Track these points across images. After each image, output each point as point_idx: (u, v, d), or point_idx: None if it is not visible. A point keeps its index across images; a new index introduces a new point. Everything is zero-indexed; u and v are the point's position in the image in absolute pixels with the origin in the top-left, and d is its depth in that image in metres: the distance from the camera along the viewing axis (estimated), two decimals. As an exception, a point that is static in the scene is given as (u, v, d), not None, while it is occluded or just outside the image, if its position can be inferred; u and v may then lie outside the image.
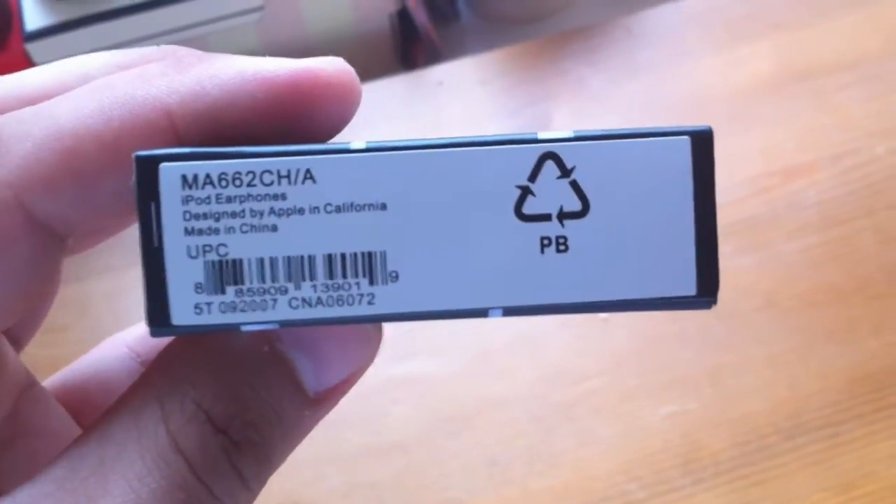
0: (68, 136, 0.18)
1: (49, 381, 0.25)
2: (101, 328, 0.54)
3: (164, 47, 0.21)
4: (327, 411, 0.20)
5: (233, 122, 0.19)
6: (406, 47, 0.69)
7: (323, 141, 0.20)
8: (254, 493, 0.20)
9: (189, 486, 0.18)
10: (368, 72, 0.67)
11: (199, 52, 0.20)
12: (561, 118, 0.60)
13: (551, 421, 0.50)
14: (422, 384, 0.51)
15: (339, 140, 0.21)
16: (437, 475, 0.49)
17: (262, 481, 0.20)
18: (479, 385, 0.51)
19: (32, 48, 0.61)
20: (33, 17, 0.61)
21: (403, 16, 0.68)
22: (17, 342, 0.24)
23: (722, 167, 0.54)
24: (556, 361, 0.51)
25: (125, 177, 0.18)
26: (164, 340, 0.19)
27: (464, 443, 0.50)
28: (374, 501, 0.49)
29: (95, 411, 0.25)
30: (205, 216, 0.17)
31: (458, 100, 0.62)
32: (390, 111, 0.62)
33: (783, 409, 0.49)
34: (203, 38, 0.64)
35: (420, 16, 0.68)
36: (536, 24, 0.71)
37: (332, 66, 0.19)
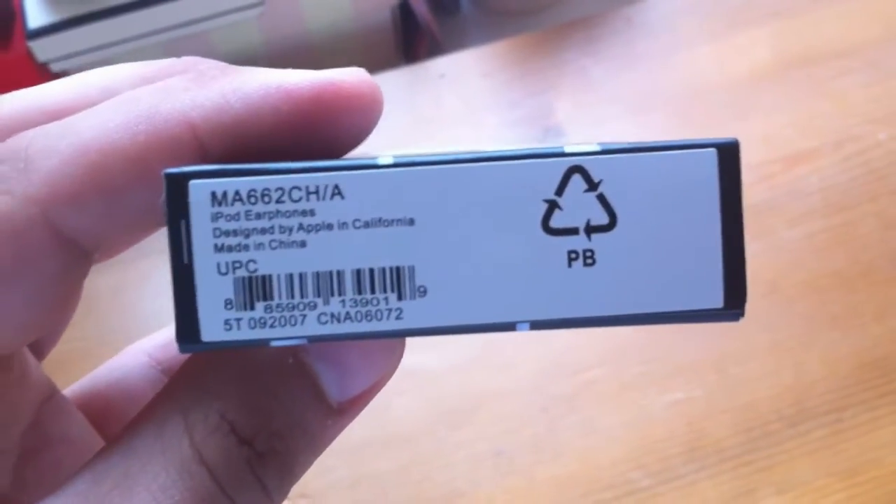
0: (94, 151, 0.18)
1: (70, 390, 0.25)
2: (108, 323, 0.55)
3: (186, 59, 0.21)
4: (350, 421, 0.20)
5: (256, 135, 0.19)
6: (407, 40, 0.70)
7: (345, 152, 0.20)
8: None
9: (213, 498, 0.18)
10: (370, 65, 0.66)
11: (223, 65, 0.20)
12: (562, 109, 0.61)
13: (555, 411, 0.50)
14: (426, 376, 0.51)
15: (360, 152, 0.21)
16: (441, 466, 0.49)
17: (284, 492, 0.20)
18: (482, 376, 0.52)
19: (35, 46, 0.61)
20: (36, 14, 0.61)
21: (404, 8, 0.68)
22: (39, 352, 0.24)
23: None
24: (559, 352, 0.52)
25: (151, 191, 0.18)
26: None
27: (468, 434, 0.50)
28: (379, 493, 0.49)
29: (116, 420, 0.25)
30: (234, 233, 0.18)
31: (459, 92, 0.62)
32: (392, 104, 0.62)
33: (787, 396, 0.50)
34: (205, 33, 0.64)
35: (421, 8, 0.68)
36: (537, 15, 0.71)
37: (355, 78, 0.19)
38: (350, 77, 0.19)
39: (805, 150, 0.57)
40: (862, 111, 0.58)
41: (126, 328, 0.55)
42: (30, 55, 0.62)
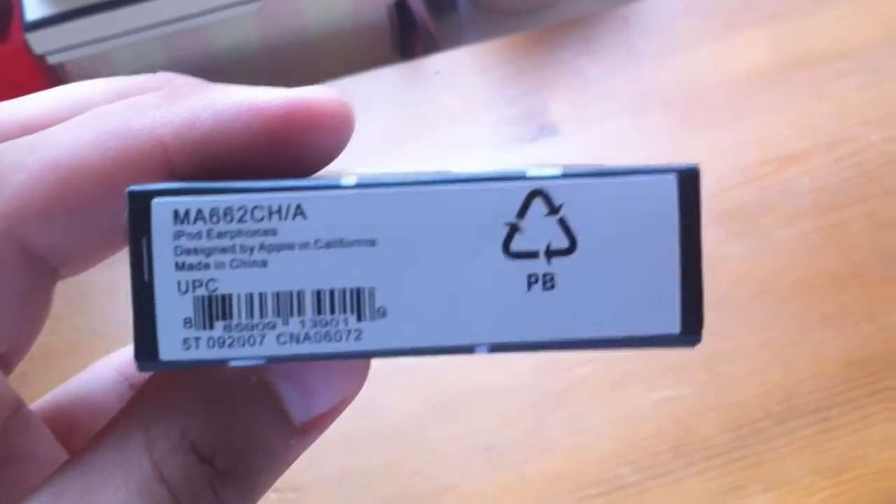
0: (63, 167, 0.18)
1: (36, 405, 0.25)
2: (100, 316, 0.55)
3: (161, 75, 0.21)
4: (313, 441, 0.20)
5: (227, 152, 0.19)
6: (404, 37, 0.70)
7: (316, 170, 0.20)
8: None
9: None
10: (366, 61, 0.67)
11: (196, 81, 0.20)
12: (558, 108, 0.61)
13: (545, 407, 0.50)
14: (416, 371, 0.51)
15: (337, 164, 0.21)
16: (431, 461, 0.50)
17: None
18: (473, 372, 0.52)
19: (33, 38, 0.62)
20: (33, 7, 0.61)
21: (401, 6, 0.68)
22: (6, 365, 0.23)
23: (718, 155, 0.55)
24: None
25: (119, 208, 0.18)
26: None
27: (458, 429, 0.50)
28: (369, 487, 0.49)
29: (83, 435, 0.24)
30: (196, 251, 0.17)
31: (455, 89, 0.62)
32: (388, 100, 0.62)
33: (776, 394, 0.50)
34: (202, 28, 0.64)
35: (418, 6, 0.68)
36: (534, 14, 0.71)
37: (325, 97, 0.19)
38: (321, 96, 0.19)
39: (798, 151, 0.57)
40: (857, 113, 0.58)
41: (114, 323, 0.55)
42: (27, 47, 0.62)
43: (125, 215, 0.17)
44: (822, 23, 0.62)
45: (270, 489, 0.20)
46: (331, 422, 0.20)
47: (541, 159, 0.58)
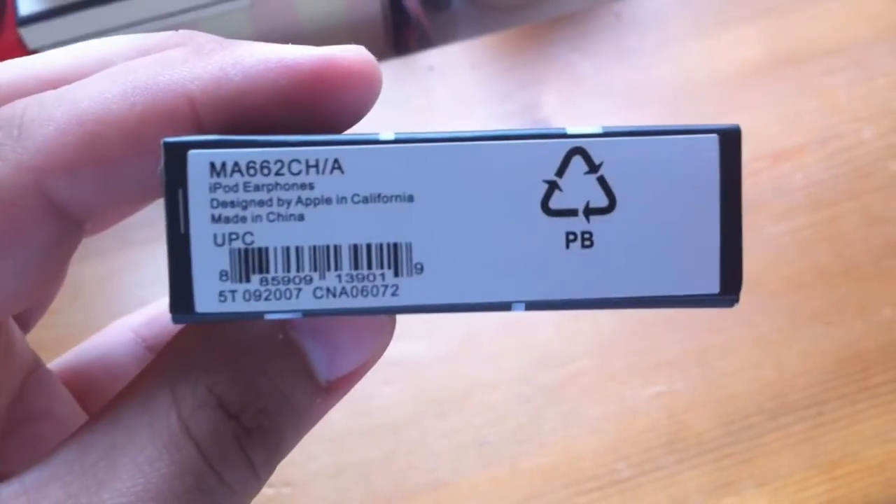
0: (90, 120, 0.18)
1: (54, 364, 0.25)
2: (93, 310, 0.55)
3: (183, 32, 0.21)
4: (338, 399, 0.20)
5: (254, 109, 0.19)
6: (397, 32, 0.70)
7: (341, 129, 0.20)
8: (262, 481, 0.19)
9: (199, 471, 0.18)
10: (359, 57, 0.67)
11: (220, 39, 0.20)
12: (550, 103, 0.61)
13: (539, 402, 0.51)
14: (411, 366, 0.51)
15: (358, 129, 0.21)
16: (425, 456, 0.50)
17: (271, 468, 0.20)
18: (467, 367, 0.52)
19: (26, 32, 0.61)
20: (27, 2, 0.61)
21: (394, 1, 0.68)
22: (25, 324, 0.23)
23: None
24: (544, 343, 0.52)
25: (146, 163, 0.18)
26: (173, 326, 0.19)
27: (452, 424, 0.50)
28: (363, 481, 0.49)
29: (100, 395, 0.25)
30: (232, 204, 0.17)
31: (448, 84, 0.62)
32: (381, 95, 0.62)
33: (768, 390, 0.50)
34: (194, 23, 0.64)
35: (411, 1, 0.68)
36: (526, 9, 0.71)
37: (354, 54, 0.19)
38: (349, 54, 0.19)
39: (790, 147, 0.57)
40: (847, 109, 0.59)
41: (108, 316, 0.54)
42: (20, 42, 0.62)
43: (160, 166, 0.17)
44: (812, 19, 0.62)
45: (265, 485, 0.20)
46: (356, 381, 0.20)
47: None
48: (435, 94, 0.62)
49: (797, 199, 0.55)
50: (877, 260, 0.53)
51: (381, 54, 0.68)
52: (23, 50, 0.63)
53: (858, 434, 0.49)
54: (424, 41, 0.69)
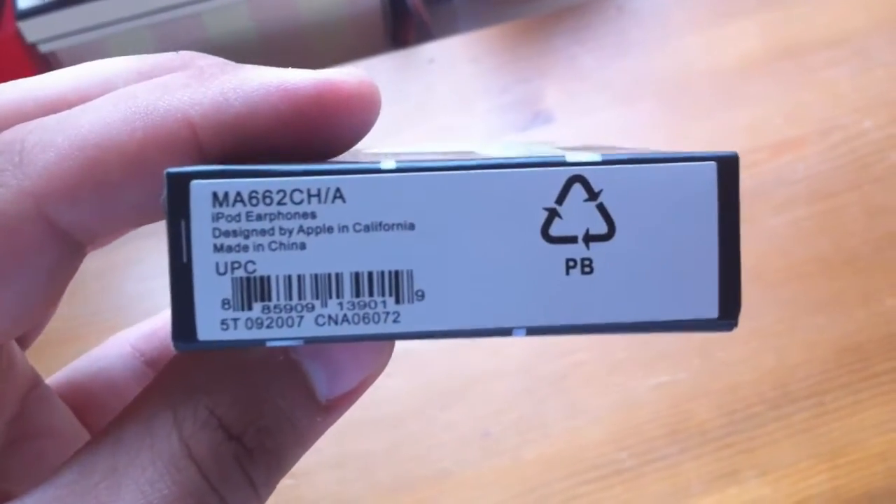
0: (91, 146, 0.18)
1: (52, 380, 0.25)
2: (93, 305, 0.55)
3: (183, 54, 0.21)
4: (338, 418, 0.20)
5: (254, 134, 0.19)
6: (397, 25, 0.70)
7: (343, 150, 0.20)
8: (263, 500, 0.20)
9: (201, 492, 0.18)
10: (359, 50, 0.67)
11: (222, 61, 0.20)
12: (551, 96, 0.61)
13: (542, 393, 0.51)
14: (414, 358, 0.52)
15: (360, 149, 0.21)
16: (428, 447, 0.50)
17: (271, 488, 0.20)
18: (470, 358, 0.52)
19: (25, 26, 0.61)
20: (26, -5, 0.61)
21: (395, -6, 0.68)
22: (24, 341, 0.23)
23: (711, 143, 0.55)
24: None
25: (146, 188, 0.18)
26: (168, 341, 0.19)
27: (455, 415, 0.51)
28: (366, 472, 0.49)
29: (99, 410, 0.25)
30: (234, 233, 0.17)
31: (449, 77, 0.62)
32: (381, 89, 0.62)
33: (770, 380, 0.50)
34: (195, 16, 0.64)
35: (411, -6, 0.68)
36: (527, 2, 0.71)
37: (354, 78, 0.19)
38: (350, 77, 0.19)
39: (791, 139, 0.57)
40: (848, 100, 0.59)
41: (111, 310, 0.55)
42: (19, 36, 0.62)
43: (163, 196, 0.17)
44: (811, 11, 0.63)
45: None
46: (355, 399, 0.20)
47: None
48: (435, 87, 0.62)
49: (798, 190, 0.56)
50: (878, 250, 0.54)
51: (381, 47, 0.68)
52: (22, 43, 0.63)
53: (860, 423, 0.49)
54: (425, 34, 0.69)
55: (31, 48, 0.63)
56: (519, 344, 0.52)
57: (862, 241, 0.54)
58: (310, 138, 0.19)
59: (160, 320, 0.27)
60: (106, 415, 0.24)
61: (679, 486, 0.48)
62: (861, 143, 0.57)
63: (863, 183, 0.56)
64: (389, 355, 0.21)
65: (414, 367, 0.51)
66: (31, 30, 0.62)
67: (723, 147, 0.56)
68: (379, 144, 0.22)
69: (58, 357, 0.26)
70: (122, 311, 0.55)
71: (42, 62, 0.65)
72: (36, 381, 0.24)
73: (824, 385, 0.50)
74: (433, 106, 0.61)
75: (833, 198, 0.55)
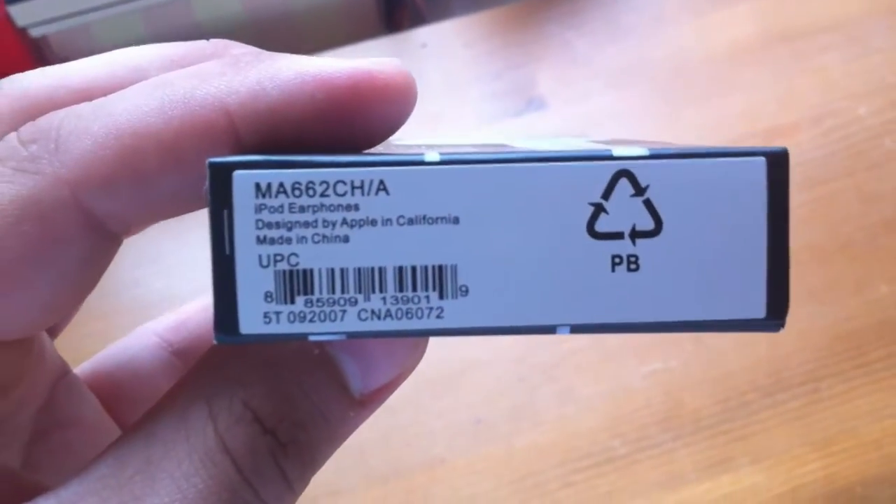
0: (128, 134, 0.18)
1: (79, 370, 0.25)
2: (99, 297, 0.54)
3: (216, 42, 0.21)
4: (371, 413, 0.20)
5: (290, 123, 0.19)
6: (390, 9, 0.69)
7: (378, 142, 0.20)
8: (297, 495, 0.19)
9: (236, 486, 0.18)
10: (353, 34, 0.66)
11: (255, 50, 0.20)
12: (545, 81, 0.61)
13: (535, 381, 0.51)
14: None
15: (389, 140, 0.21)
16: (421, 434, 0.50)
17: (305, 482, 0.20)
18: (463, 346, 0.52)
19: (15, 10, 0.61)
20: (15, -21, 0.61)
21: (387, -22, 0.68)
22: (53, 330, 0.23)
23: (704, 129, 0.55)
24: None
25: (183, 177, 0.18)
26: (198, 332, 0.19)
27: (448, 403, 0.50)
28: (360, 460, 0.49)
29: (127, 401, 0.25)
30: (277, 225, 0.17)
31: (442, 62, 0.62)
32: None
33: (763, 367, 0.50)
34: (185, 1, 0.64)
35: (404, -22, 0.68)
36: (520, -13, 0.70)
37: (392, 68, 0.19)
38: (387, 68, 0.19)
39: (785, 125, 0.57)
40: (842, 86, 0.58)
41: (105, 297, 0.55)
42: (9, 20, 0.62)
43: (205, 187, 0.17)
44: (806, -4, 0.62)
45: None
46: (389, 394, 0.20)
47: (529, 132, 0.58)
48: (428, 72, 0.62)
49: (792, 177, 0.55)
50: (872, 237, 0.54)
51: (373, 32, 0.68)
52: (13, 28, 0.62)
53: (854, 410, 0.49)
54: (418, 18, 0.68)
55: (22, 33, 0.63)
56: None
57: (856, 228, 0.54)
58: (345, 129, 0.19)
59: (189, 311, 0.27)
60: (133, 405, 0.25)
61: (672, 473, 0.48)
62: (855, 130, 0.57)
63: (857, 170, 0.56)
64: (424, 351, 0.21)
65: (407, 354, 0.51)
66: (22, 14, 0.62)
67: (715, 133, 0.56)
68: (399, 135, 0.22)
69: (63, 352, 0.26)
70: (110, 298, 0.54)
71: (33, 46, 0.64)
72: (64, 371, 0.24)
73: (818, 372, 0.50)
74: (425, 91, 0.61)
75: (827, 184, 0.55)
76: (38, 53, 0.65)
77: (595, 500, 0.48)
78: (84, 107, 0.19)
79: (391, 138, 0.20)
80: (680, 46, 0.61)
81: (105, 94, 0.19)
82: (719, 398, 0.49)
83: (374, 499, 0.48)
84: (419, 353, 0.20)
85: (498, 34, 0.63)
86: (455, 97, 0.61)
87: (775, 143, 0.51)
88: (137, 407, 0.19)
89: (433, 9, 0.70)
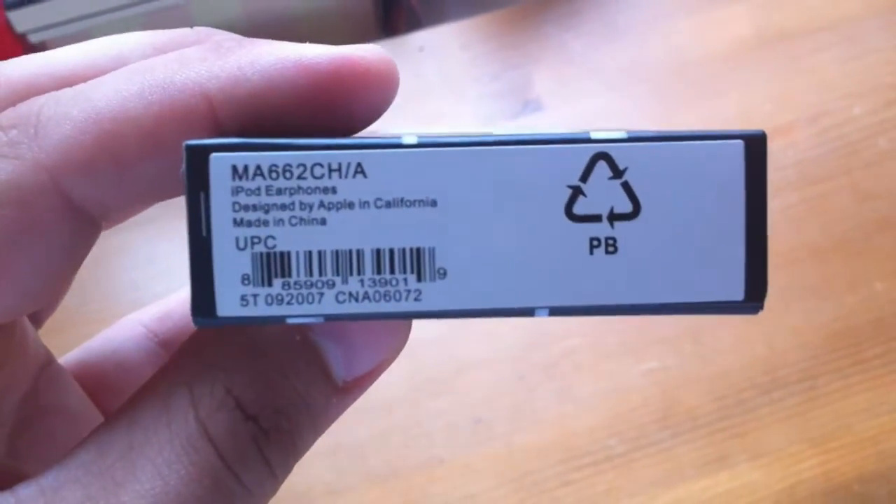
0: (107, 119, 0.18)
1: (65, 360, 0.25)
2: (85, 293, 0.54)
3: (199, 29, 0.21)
4: (354, 400, 0.20)
5: (271, 109, 0.19)
6: (387, 12, 0.70)
7: (360, 128, 0.20)
8: (279, 481, 0.19)
9: (217, 473, 0.18)
10: (349, 38, 0.67)
11: (237, 37, 0.20)
12: (542, 83, 0.61)
13: (533, 380, 0.51)
14: (407, 345, 0.51)
15: (374, 131, 0.21)
16: (420, 434, 0.50)
17: (287, 469, 0.20)
18: (461, 346, 0.52)
19: (14, 16, 0.61)
20: (14, -15, 0.61)
21: (384, -18, 0.68)
22: (37, 320, 0.23)
23: (701, 128, 0.55)
24: (538, 322, 0.52)
25: (163, 162, 0.18)
26: (185, 321, 0.19)
27: (447, 403, 0.51)
28: (359, 460, 0.49)
29: (112, 391, 0.25)
30: (254, 207, 0.17)
31: (439, 65, 0.62)
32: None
33: (760, 365, 0.50)
34: (184, 5, 0.64)
35: (401, -18, 0.68)
36: (517, -11, 0.71)
37: (373, 54, 0.19)
38: (368, 53, 0.19)
39: (781, 124, 0.57)
40: (838, 86, 0.59)
41: (102, 298, 0.55)
42: (8, 25, 0.62)
43: (182, 169, 0.17)
44: (801, -4, 0.63)
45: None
46: (371, 382, 0.20)
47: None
48: (426, 74, 0.62)
49: (788, 175, 0.56)
50: (867, 235, 0.54)
51: (371, 35, 0.68)
52: (12, 34, 0.62)
53: (851, 407, 0.49)
54: (415, 22, 0.68)
55: (21, 38, 0.63)
56: (510, 331, 0.52)
57: (851, 227, 0.54)
58: (327, 115, 0.19)
59: (173, 301, 0.27)
60: (119, 395, 0.24)
61: (670, 471, 0.48)
62: (850, 129, 0.57)
63: (852, 168, 0.56)
64: (406, 338, 0.21)
65: (405, 353, 0.51)
66: (20, 20, 0.62)
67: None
68: (366, 133, 0.22)
69: (51, 345, 0.26)
70: (109, 301, 0.55)
71: (32, 52, 0.65)
72: (48, 360, 0.24)
73: (814, 370, 0.50)
74: (423, 94, 0.61)
75: (822, 183, 0.55)
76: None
77: (593, 498, 0.48)
78: (64, 92, 0.19)
79: (376, 128, 0.21)
80: (676, 47, 0.61)
81: (87, 81, 0.19)
82: (716, 396, 0.50)
83: (373, 498, 0.49)
84: (402, 340, 0.20)
85: (495, 36, 0.63)
86: (453, 99, 0.61)
87: (772, 143, 0.52)
88: (123, 397, 0.19)
89: (429, 12, 0.70)
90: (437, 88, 0.61)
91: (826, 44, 0.60)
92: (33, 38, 0.63)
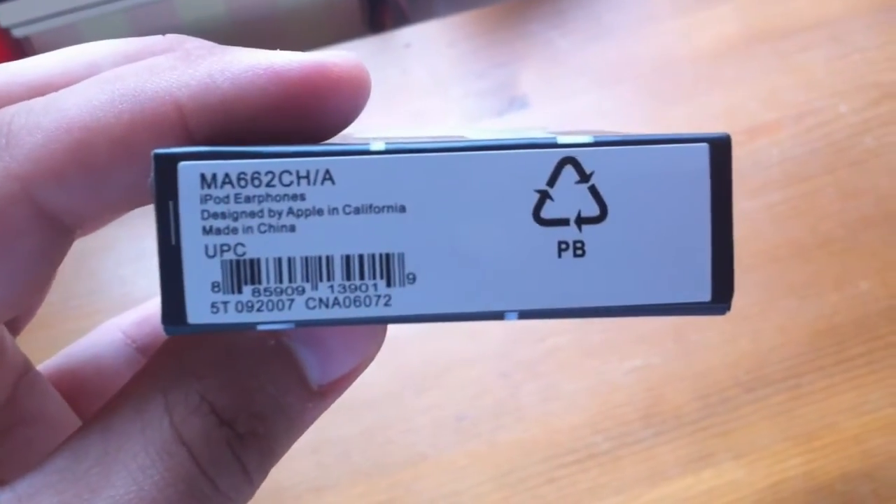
0: (78, 128, 0.18)
1: (43, 367, 0.25)
2: (71, 291, 0.54)
3: (170, 37, 0.21)
4: (329, 404, 0.20)
5: (242, 116, 0.19)
6: (373, 9, 0.69)
7: (332, 134, 0.20)
8: (255, 486, 0.19)
9: (193, 478, 0.18)
10: (336, 35, 0.67)
11: (209, 44, 0.20)
12: (528, 80, 0.61)
13: (517, 377, 0.51)
14: (389, 342, 0.51)
15: (350, 133, 0.21)
16: (404, 431, 0.50)
17: (264, 474, 0.20)
18: (445, 343, 0.52)
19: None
20: (-2, -21, 0.61)
21: (371, -22, 0.68)
22: (15, 328, 0.23)
23: (687, 127, 0.55)
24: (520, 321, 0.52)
25: (135, 170, 0.18)
26: (160, 327, 0.19)
27: (431, 399, 0.51)
28: (343, 457, 0.49)
29: (91, 397, 0.25)
30: (223, 215, 0.17)
31: (425, 62, 0.62)
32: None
33: (745, 363, 0.50)
34: (168, 1, 0.64)
35: (387, -22, 0.68)
36: (504, -14, 0.71)
37: (345, 60, 0.19)
38: (340, 60, 0.19)
39: (767, 123, 0.57)
40: (824, 85, 0.59)
41: (83, 296, 0.54)
42: (-8, 20, 0.62)
43: (150, 178, 0.17)
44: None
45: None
46: (347, 385, 0.20)
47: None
48: (412, 71, 0.62)
49: (773, 174, 0.56)
50: (852, 234, 0.54)
51: (357, 32, 0.68)
52: (-5, 28, 0.62)
53: (835, 406, 0.49)
54: (401, 18, 0.68)
55: (5, 33, 0.63)
56: (494, 328, 0.52)
57: (836, 225, 0.54)
58: (299, 122, 0.19)
59: (151, 307, 0.27)
60: (97, 402, 0.24)
61: (654, 468, 0.48)
62: (836, 128, 0.57)
63: (837, 167, 0.56)
64: (381, 341, 0.21)
65: (389, 351, 0.51)
66: (5, 15, 0.61)
67: (698, 130, 0.56)
68: (359, 130, 0.22)
69: (30, 343, 0.26)
70: (94, 299, 0.54)
71: (16, 47, 0.64)
72: (27, 368, 0.24)
73: (799, 368, 0.50)
74: (409, 91, 0.61)
75: (808, 181, 0.55)
76: (20, 54, 0.65)
77: (577, 495, 0.48)
78: (36, 102, 0.19)
79: (351, 131, 0.21)
80: (663, 45, 0.62)
81: (59, 90, 0.19)
82: (701, 394, 0.50)
83: (357, 495, 0.49)
84: (377, 344, 0.20)
85: (481, 34, 0.63)
86: (439, 96, 0.61)
87: (758, 141, 0.52)
88: (101, 403, 0.19)
89: (416, 9, 0.70)
90: (424, 85, 0.61)
91: (812, 43, 0.60)
92: (17, 33, 0.63)
